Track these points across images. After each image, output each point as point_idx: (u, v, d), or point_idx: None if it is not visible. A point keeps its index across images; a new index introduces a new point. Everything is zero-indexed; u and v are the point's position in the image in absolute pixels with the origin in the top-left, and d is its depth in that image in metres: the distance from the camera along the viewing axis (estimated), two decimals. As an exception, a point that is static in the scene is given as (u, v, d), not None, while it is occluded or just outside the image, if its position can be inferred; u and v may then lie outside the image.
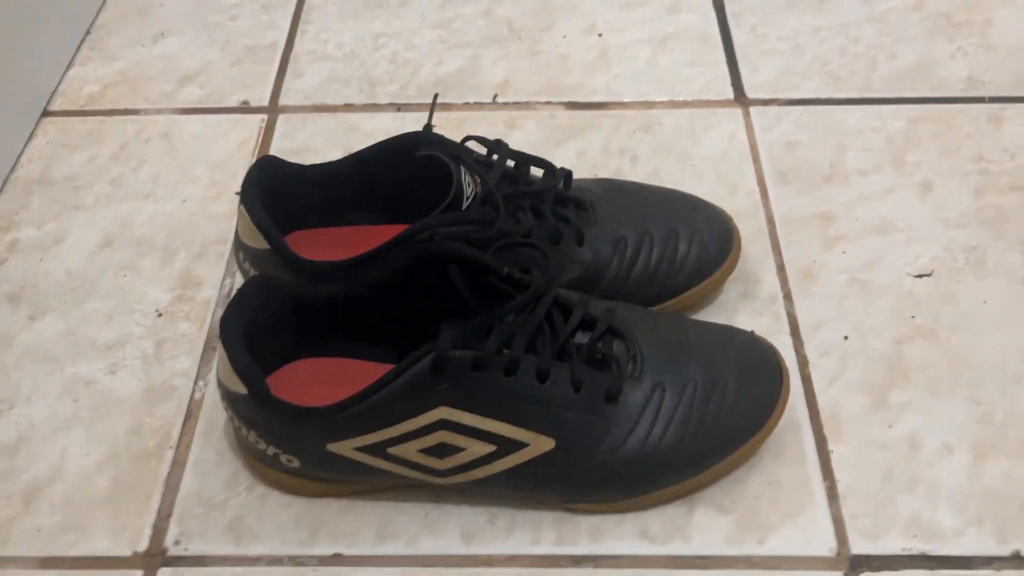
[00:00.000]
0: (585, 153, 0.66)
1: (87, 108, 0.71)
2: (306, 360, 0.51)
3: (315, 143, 0.67)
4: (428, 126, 0.53)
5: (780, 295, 0.57)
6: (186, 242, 0.61)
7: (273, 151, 0.67)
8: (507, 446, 0.44)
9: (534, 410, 0.44)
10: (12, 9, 0.67)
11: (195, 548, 0.47)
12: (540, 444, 0.45)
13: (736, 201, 0.62)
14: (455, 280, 0.46)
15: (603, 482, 0.46)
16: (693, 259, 0.54)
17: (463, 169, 0.50)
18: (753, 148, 0.66)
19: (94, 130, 0.69)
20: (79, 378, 0.54)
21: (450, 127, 0.68)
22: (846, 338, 0.55)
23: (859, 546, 0.47)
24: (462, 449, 0.44)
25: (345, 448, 0.44)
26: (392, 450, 0.44)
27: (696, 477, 0.47)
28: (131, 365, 0.55)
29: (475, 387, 0.43)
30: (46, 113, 0.70)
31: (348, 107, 0.70)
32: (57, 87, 0.72)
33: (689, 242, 0.54)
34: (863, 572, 0.46)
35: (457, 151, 0.51)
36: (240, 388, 0.43)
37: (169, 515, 0.48)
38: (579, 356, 0.45)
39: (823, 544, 0.47)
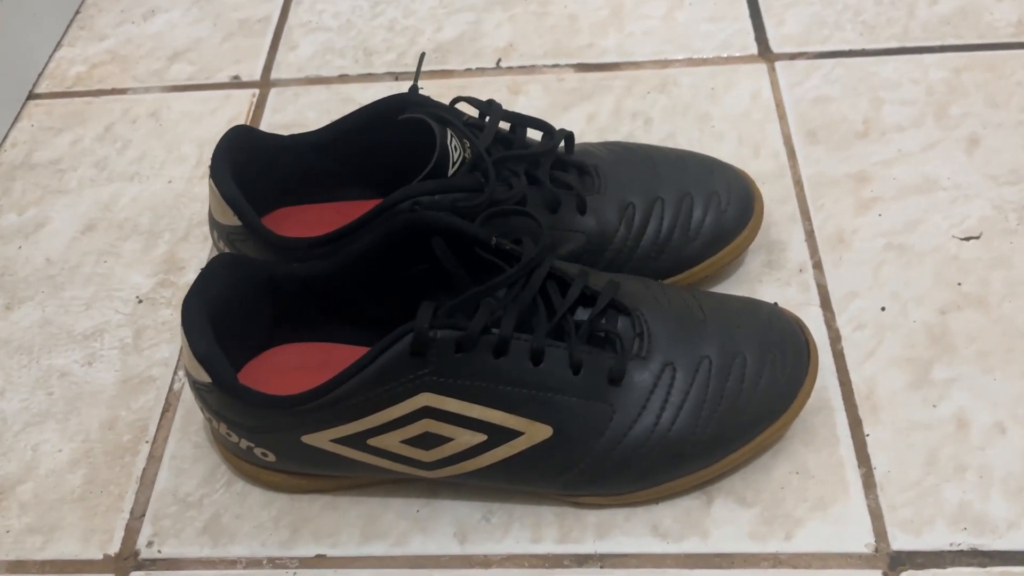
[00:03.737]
0: (595, 117, 0.61)
1: (74, 89, 0.68)
2: (288, 346, 0.47)
3: (307, 117, 0.64)
4: (414, 87, 0.49)
5: (809, 263, 0.52)
6: (171, 224, 0.58)
7: (264, 126, 0.63)
8: (499, 435, 0.40)
9: (528, 395, 0.40)
10: (-8, -12, 0.64)
11: (169, 550, 0.44)
12: (536, 432, 0.40)
13: (760, 163, 0.57)
14: (439, 254, 0.42)
15: (608, 473, 0.41)
16: (709, 226, 0.49)
17: (449, 132, 0.45)
18: (779, 106, 0.61)
19: (80, 111, 0.66)
20: (54, 370, 0.51)
21: (450, 95, 0.63)
22: (883, 309, 0.50)
23: (900, 541, 0.41)
24: (449, 439, 0.40)
25: (321, 440, 0.40)
26: (372, 441, 0.40)
27: (713, 466, 0.42)
28: (108, 355, 0.51)
29: (460, 371, 0.39)
30: (32, 96, 0.67)
31: (343, 78, 0.66)
32: (44, 69, 0.69)
33: (705, 207, 0.49)
34: (904, 570, 0.41)
35: (444, 113, 0.47)
36: (203, 376, 0.40)
37: (143, 515, 0.45)
38: (578, 334, 0.41)
39: (859, 539, 0.42)
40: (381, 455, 0.41)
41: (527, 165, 0.47)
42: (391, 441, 0.40)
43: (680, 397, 0.41)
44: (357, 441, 0.40)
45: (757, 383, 0.42)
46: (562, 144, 0.50)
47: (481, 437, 0.40)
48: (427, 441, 0.40)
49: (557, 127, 0.49)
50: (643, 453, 0.41)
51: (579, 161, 0.49)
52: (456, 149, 0.45)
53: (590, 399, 0.40)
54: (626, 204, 0.48)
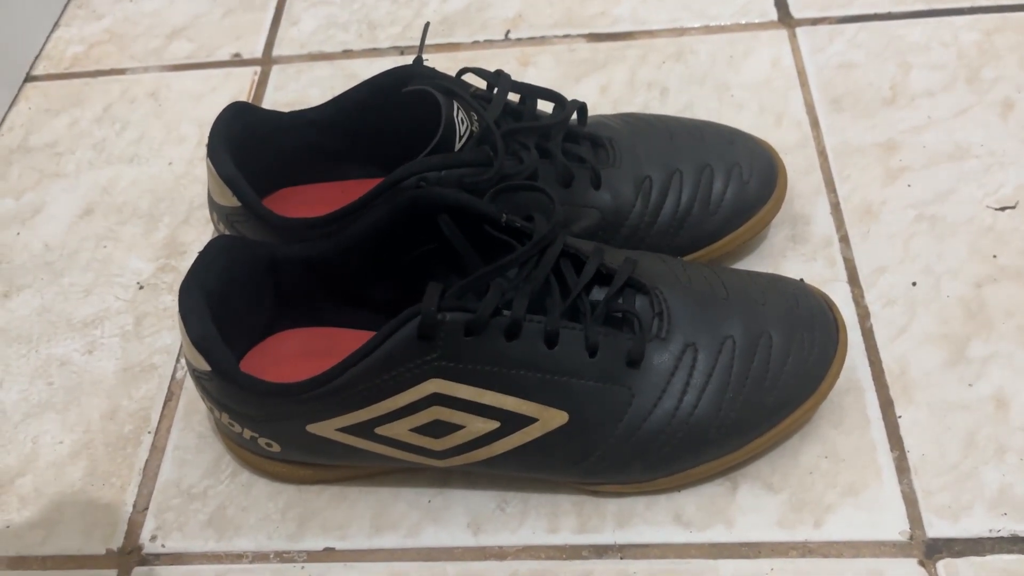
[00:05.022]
0: (608, 88, 0.59)
1: (71, 70, 0.66)
2: (292, 331, 0.46)
3: (310, 94, 0.61)
4: (418, 58, 0.46)
5: (835, 237, 0.49)
6: (171, 207, 0.56)
7: (266, 104, 0.61)
8: (513, 422, 0.38)
9: (542, 380, 0.38)
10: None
11: (173, 544, 0.42)
12: (551, 419, 0.38)
13: (782, 133, 0.55)
14: (447, 232, 0.40)
15: (628, 460, 0.39)
16: (731, 199, 0.47)
17: (455, 104, 0.43)
18: (801, 73, 0.58)
19: (77, 93, 0.64)
20: (54, 359, 0.50)
21: (456, 69, 0.61)
22: (914, 284, 0.47)
23: (936, 528, 0.39)
24: (461, 427, 0.38)
25: (327, 429, 0.39)
26: (380, 430, 0.38)
27: (737, 452, 0.40)
28: (109, 343, 0.50)
29: (471, 355, 0.37)
30: (29, 78, 0.66)
31: (347, 54, 0.64)
32: (41, 50, 0.68)
33: (726, 179, 0.47)
34: (941, 559, 0.39)
35: (450, 85, 0.44)
36: (202, 364, 0.38)
37: (146, 508, 0.44)
38: (594, 315, 0.38)
39: (892, 526, 0.40)
40: (390, 444, 0.39)
41: (538, 138, 0.45)
42: (400, 429, 0.38)
43: (702, 379, 0.39)
44: (364, 430, 0.38)
45: (784, 364, 0.40)
46: (575, 116, 0.48)
47: (494, 424, 0.38)
48: (437, 429, 0.38)
49: (569, 99, 0.47)
50: (664, 439, 0.39)
51: (593, 133, 0.47)
52: (463, 122, 0.43)
53: (607, 383, 0.38)
54: (643, 178, 0.46)
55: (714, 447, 0.40)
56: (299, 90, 0.62)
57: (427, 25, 0.48)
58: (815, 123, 0.55)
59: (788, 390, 0.40)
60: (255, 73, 0.63)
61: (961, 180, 0.51)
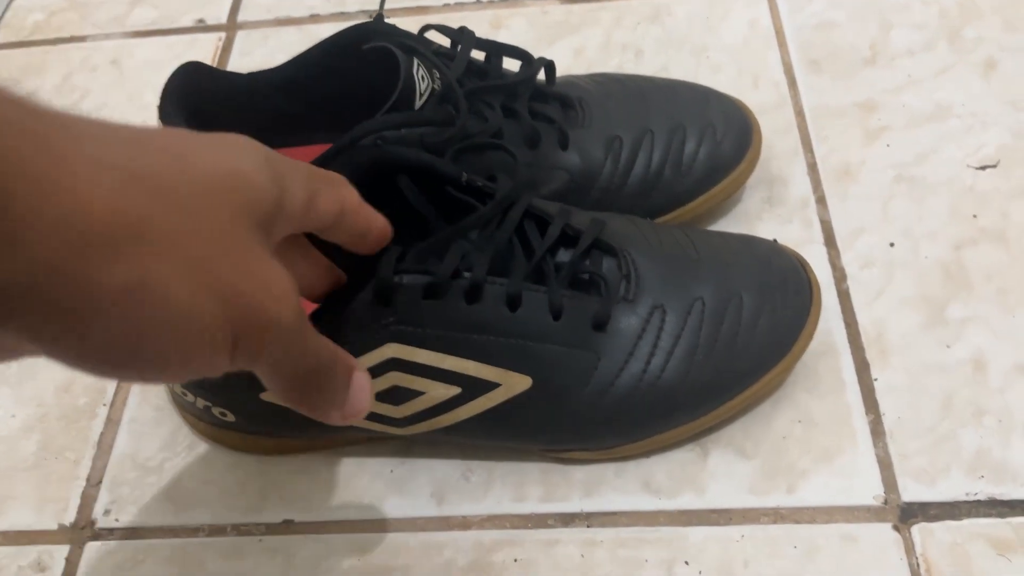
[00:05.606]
0: (582, 51, 0.57)
1: (32, 38, 0.64)
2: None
3: (276, 60, 0.59)
4: (379, 15, 0.45)
5: (812, 198, 0.48)
6: (132, 176, 0.54)
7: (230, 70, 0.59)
8: (474, 388, 0.37)
9: (505, 344, 0.36)
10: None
11: (127, 518, 0.41)
12: (514, 383, 0.37)
13: (760, 94, 0.53)
14: (407, 193, 0.39)
15: (594, 426, 0.38)
16: (704, 159, 0.45)
17: (415, 61, 0.41)
18: (779, 34, 0.56)
19: (37, 62, 0.62)
20: (8, 331, 0.48)
21: (427, 32, 0.60)
22: (892, 245, 0.46)
23: (911, 492, 0.38)
24: (421, 393, 0.37)
25: None
26: None
27: (707, 416, 0.39)
28: (64, 314, 0.48)
29: (430, 319, 0.35)
30: (-12, 47, 0.64)
31: (314, 18, 0.62)
32: (1, 18, 0.66)
33: (699, 139, 0.45)
34: (916, 523, 0.38)
35: (411, 42, 0.43)
36: None
37: (100, 481, 0.42)
38: (559, 277, 0.37)
39: (866, 491, 0.38)
40: None
41: (504, 98, 0.43)
42: None
43: (670, 342, 0.38)
44: None
45: (755, 325, 0.39)
46: (543, 75, 0.46)
47: (455, 390, 0.37)
48: (397, 396, 0.37)
49: (529, 52, 0.45)
50: (632, 403, 0.38)
51: (561, 93, 0.45)
52: (424, 79, 0.42)
53: (572, 347, 0.37)
54: (613, 138, 0.45)
55: (683, 411, 0.38)
56: (265, 55, 0.60)
57: None
58: (792, 84, 0.54)
59: (759, 353, 0.39)
60: (220, 39, 0.62)
61: (942, 140, 0.50)
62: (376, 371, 0.36)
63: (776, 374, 0.39)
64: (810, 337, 0.39)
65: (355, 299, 0.35)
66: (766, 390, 0.40)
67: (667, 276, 0.39)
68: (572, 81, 0.48)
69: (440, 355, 0.36)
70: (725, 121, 0.46)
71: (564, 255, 0.39)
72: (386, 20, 0.45)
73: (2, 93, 0.17)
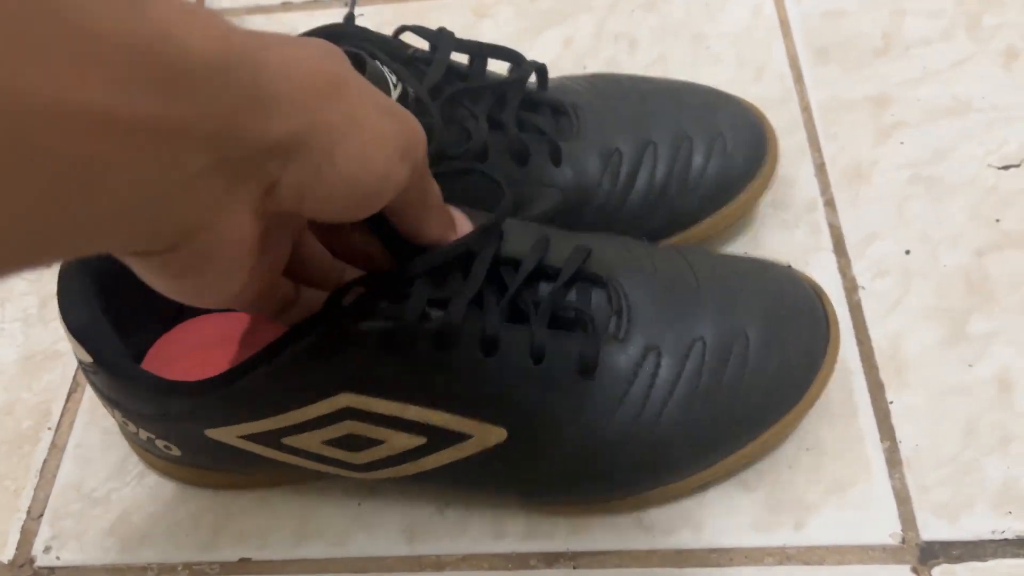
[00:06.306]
0: (572, 41, 0.53)
1: None
2: (218, 314, 0.40)
3: (245, 51, 0.56)
4: (350, 15, 0.41)
5: (820, 201, 0.44)
6: (88, 177, 0.51)
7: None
8: (441, 438, 0.33)
9: (477, 392, 0.32)
10: None
11: (69, 556, 0.37)
12: (487, 435, 0.33)
13: (762, 88, 0.49)
14: (371, 227, 0.34)
15: (575, 480, 0.34)
16: (713, 174, 0.41)
17: (385, 69, 0.38)
18: (784, 22, 0.52)
19: None
20: (-52, 347, 0.44)
21: (405, 22, 0.56)
22: (908, 252, 0.42)
23: (931, 529, 0.35)
24: (380, 442, 0.33)
25: (228, 436, 0.33)
26: (288, 441, 0.33)
27: (704, 472, 0.35)
28: (9, 328, 0.45)
29: (390, 366, 0.31)
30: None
31: (286, 6, 0.58)
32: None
33: (707, 152, 0.41)
34: (937, 564, 0.34)
35: (384, 47, 0.39)
36: (83, 354, 0.33)
37: (41, 514, 0.39)
38: (539, 314, 0.33)
39: (882, 528, 0.35)
40: (301, 455, 0.34)
41: (490, 107, 0.39)
42: (311, 441, 0.33)
43: (666, 388, 0.33)
44: (270, 440, 0.33)
45: (762, 369, 0.34)
46: (533, 79, 0.42)
47: (419, 440, 0.33)
48: (353, 443, 0.33)
49: (529, 56, 0.41)
50: (621, 458, 0.33)
51: (553, 99, 0.41)
52: (396, 87, 0.38)
53: (555, 393, 0.33)
54: (611, 151, 0.40)
55: (678, 467, 0.34)
56: (234, 47, 0.56)
57: None
58: (799, 77, 0.50)
59: (766, 400, 0.35)
60: (186, 29, 0.58)
61: (960, 137, 0.46)
62: (330, 419, 0.32)
63: (784, 424, 0.35)
64: (825, 382, 0.35)
65: (303, 341, 0.30)
66: (773, 441, 0.35)
67: (663, 310, 0.34)
68: (564, 84, 0.43)
69: (402, 405, 0.32)
70: (736, 130, 0.42)
71: (547, 287, 0.34)
72: (361, 9, 0.41)
73: (220, 15, 0.21)
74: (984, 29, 0.50)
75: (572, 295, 0.34)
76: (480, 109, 0.39)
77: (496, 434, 0.32)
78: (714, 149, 0.41)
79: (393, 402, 0.31)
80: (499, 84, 0.39)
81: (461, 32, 0.41)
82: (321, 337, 0.30)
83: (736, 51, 0.51)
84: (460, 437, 0.32)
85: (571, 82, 0.44)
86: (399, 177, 0.26)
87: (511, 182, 0.37)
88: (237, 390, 0.31)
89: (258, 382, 0.31)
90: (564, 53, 0.53)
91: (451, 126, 0.38)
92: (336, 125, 0.23)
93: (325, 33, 0.40)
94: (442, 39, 0.40)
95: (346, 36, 0.40)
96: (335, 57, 0.25)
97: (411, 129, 0.27)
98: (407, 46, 0.40)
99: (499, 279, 0.32)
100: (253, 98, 0.21)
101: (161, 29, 0.18)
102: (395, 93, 0.37)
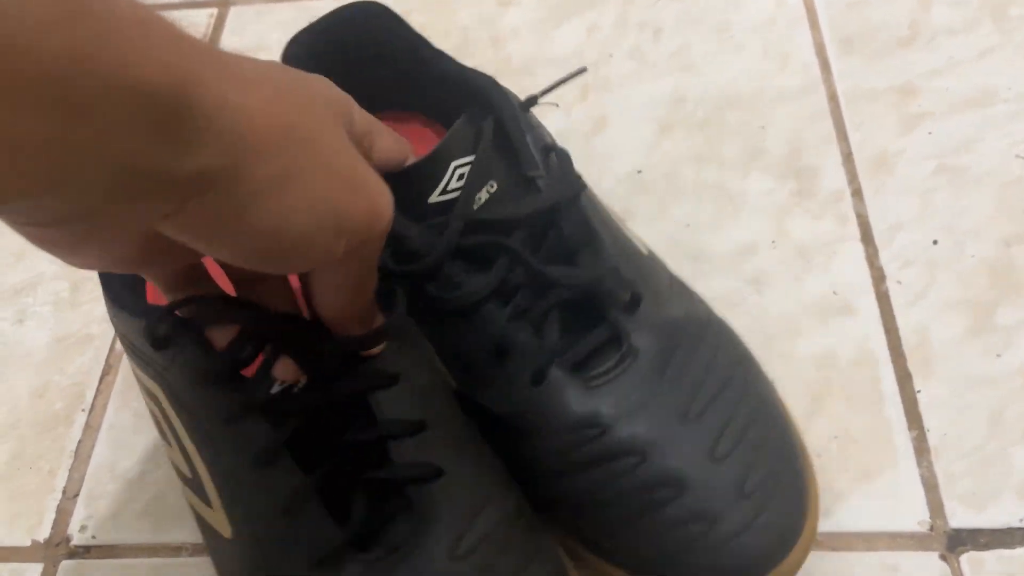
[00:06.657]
0: (596, 29, 0.53)
1: (12, 14, 0.60)
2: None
3: (270, 39, 0.56)
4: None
5: (847, 191, 0.44)
6: (115, 162, 0.51)
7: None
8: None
9: None
10: None
11: (104, 535, 0.38)
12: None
13: (788, 77, 0.49)
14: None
15: None
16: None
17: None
18: (809, 11, 0.52)
19: (17, 38, 0.59)
20: (-19, 330, 0.45)
21: (436, 7, 0.56)
22: (935, 243, 0.42)
23: (959, 517, 0.35)
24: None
25: None
26: None
27: None
28: (41, 312, 0.45)
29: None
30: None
31: (310, -8, 0.58)
32: (-20, -8, 0.62)
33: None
34: (965, 551, 0.34)
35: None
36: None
37: (76, 494, 0.39)
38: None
39: (910, 515, 0.35)
40: None
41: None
42: None
43: None
44: None
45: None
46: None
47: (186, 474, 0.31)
48: None
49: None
50: None
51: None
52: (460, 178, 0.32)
53: None
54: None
55: None
56: (259, 34, 0.56)
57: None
58: (825, 66, 0.50)
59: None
60: (211, 16, 0.58)
61: (986, 127, 0.46)
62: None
63: None
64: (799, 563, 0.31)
65: None
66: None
67: None
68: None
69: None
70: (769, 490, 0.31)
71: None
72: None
73: (177, 26, 0.21)
74: (1010, 19, 0.50)
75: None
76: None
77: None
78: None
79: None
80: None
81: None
82: None
83: (761, 40, 0.51)
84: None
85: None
86: (327, 248, 0.24)
87: None
88: None
89: None
90: (588, 41, 0.53)
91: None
92: (263, 177, 0.21)
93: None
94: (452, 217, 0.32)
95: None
96: (312, 108, 0.24)
97: (366, 210, 0.25)
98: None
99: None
100: (168, 130, 0.19)
101: (89, 52, 0.17)
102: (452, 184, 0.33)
